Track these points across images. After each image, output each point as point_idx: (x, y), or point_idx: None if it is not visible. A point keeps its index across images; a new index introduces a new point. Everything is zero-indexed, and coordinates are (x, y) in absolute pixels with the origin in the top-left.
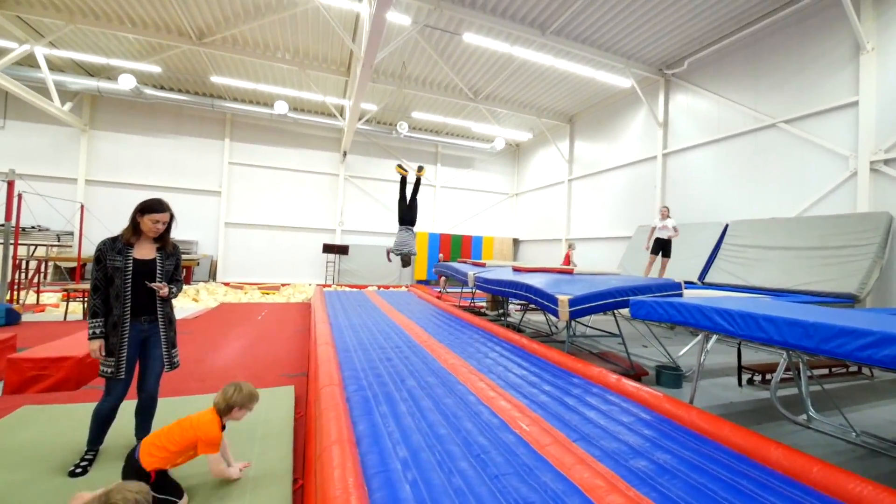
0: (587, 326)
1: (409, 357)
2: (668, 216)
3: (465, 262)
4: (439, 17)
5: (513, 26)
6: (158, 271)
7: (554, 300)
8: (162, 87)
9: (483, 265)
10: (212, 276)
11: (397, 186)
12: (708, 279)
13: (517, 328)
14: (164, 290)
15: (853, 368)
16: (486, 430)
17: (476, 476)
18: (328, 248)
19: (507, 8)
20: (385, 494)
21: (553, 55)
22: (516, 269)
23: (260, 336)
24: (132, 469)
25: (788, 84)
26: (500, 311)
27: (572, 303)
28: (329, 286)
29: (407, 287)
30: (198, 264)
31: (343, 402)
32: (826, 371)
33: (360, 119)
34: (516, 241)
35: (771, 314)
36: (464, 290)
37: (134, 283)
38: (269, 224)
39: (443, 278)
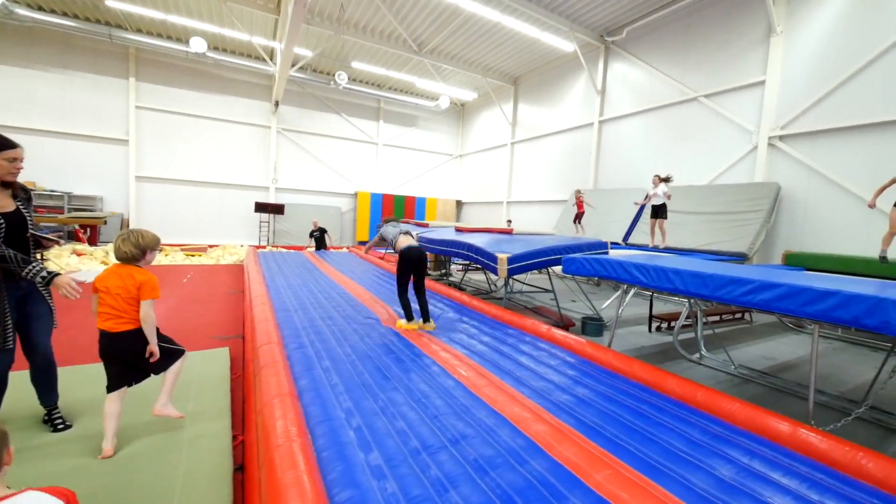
0: (524, 283)
1: (352, 315)
2: (660, 183)
3: (408, 223)
4: None
5: None
6: (29, 223)
7: (494, 258)
8: (41, 8)
9: (426, 226)
10: None
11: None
12: (631, 240)
13: (459, 286)
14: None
15: (738, 315)
16: (428, 377)
17: (417, 418)
18: (261, 208)
19: None
20: (329, 440)
21: (500, 11)
22: (459, 230)
23: (187, 299)
24: (108, 342)
25: (711, 60)
26: (443, 270)
27: (510, 261)
28: (263, 247)
29: (348, 248)
30: (105, 223)
31: (283, 360)
32: (718, 318)
33: (293, 65)
34: (460, 203)
35: (678, 268)
36: None
37: (7, 242)
38: (190, 179)
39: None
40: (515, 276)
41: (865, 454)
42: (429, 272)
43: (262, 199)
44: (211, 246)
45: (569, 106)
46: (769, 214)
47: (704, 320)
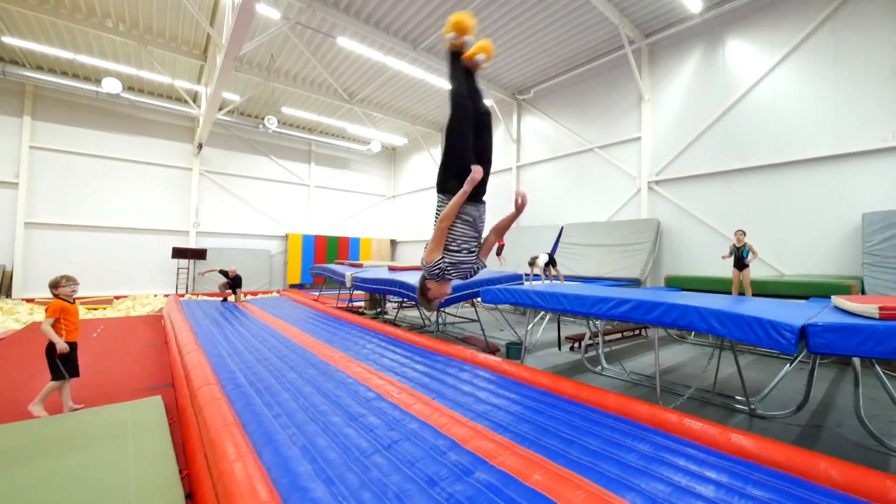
0: (455, 316)
1: (288, 356)
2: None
3: (342, 264)
4: (312, 17)
5: (386, 37)
6: None
7: None
8: None
9: (360, 266)
10: (5, 291)
11: (269, 191)
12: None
13: (394, 323)
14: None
15: (637, 332)
16: (364, 402)
17: (356, 434)
18: (180, 253)
19: (382, 20)
20: (275, 457)
21: (424, 70)
22: (392, 269)
23: (103, 353)
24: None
25: (601, 118)
26: (378, 309)
27: None
28: (182, 296)
29: (278, 292)
30: None
31: (224, 397)
32: (619, 336)
33: (220, 109)
34: (394, 242)
35: (565, 293)
36: (341, 292)
37: None
38: (94, 225)
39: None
40: (446, 311)
41: (693, 419)
42: (364, 312)
43: (181, 244)
44: (118, 297)
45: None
46: (654, 245)
47: (605, 340)
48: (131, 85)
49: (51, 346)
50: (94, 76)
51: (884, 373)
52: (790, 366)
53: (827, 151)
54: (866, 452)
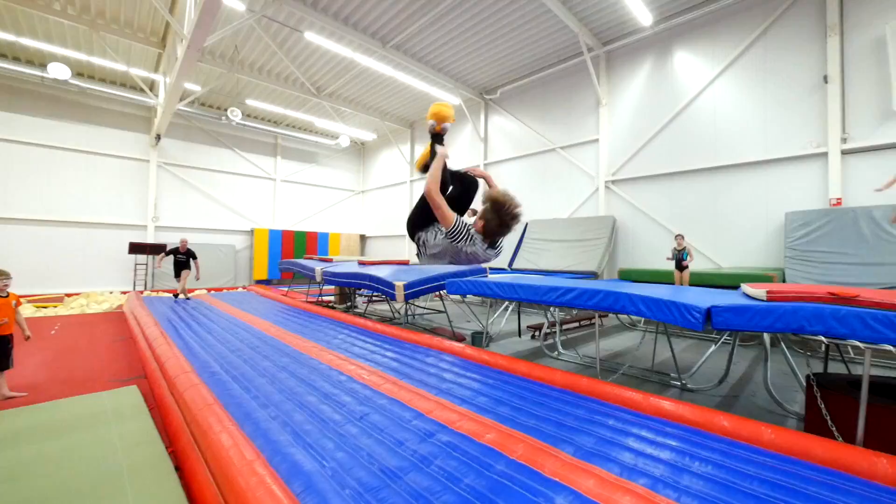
0: (424, 308)
1: (260, 346)
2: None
3: (311, 258)
4: (278, 10)
5: (355, 34)
6: None
7: (391, 286)
8: None
9: (330, 260)
10: None
11: (234, 185)
12: (515, 265)
13: (364, 316)
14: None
15: (594, 321)
16: (337, 384)
17: (330, 409)
18: (137, 248)
19: (351, 16)
20: (256, 429)
21: (392, 67)
22: (361, 263)
23: (66, 349)
24: None
25: (563, 120)
26: (348, 303)
27: (406, 287)
28: (142, 293)
29: (245, 287)
30: None
31: (202, 382)
32: (577, 324)
33: (181, 100)
34: (364, 237)
35: (520, 283)
36: (311, 287)
37: None
38: (40, 219)
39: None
40: (415, 302)
41: (624, 388)
42: (334, 306)
43: (139, 240)
44: (69, 295)
45: (459, 149)
46: (609, 240)
47: (563, 328)
48: (81, 71)
49: None
50: (39, 60)
51: (800, 352)
52: (715, 346)
53: (757, 157)
54: (771, 415)
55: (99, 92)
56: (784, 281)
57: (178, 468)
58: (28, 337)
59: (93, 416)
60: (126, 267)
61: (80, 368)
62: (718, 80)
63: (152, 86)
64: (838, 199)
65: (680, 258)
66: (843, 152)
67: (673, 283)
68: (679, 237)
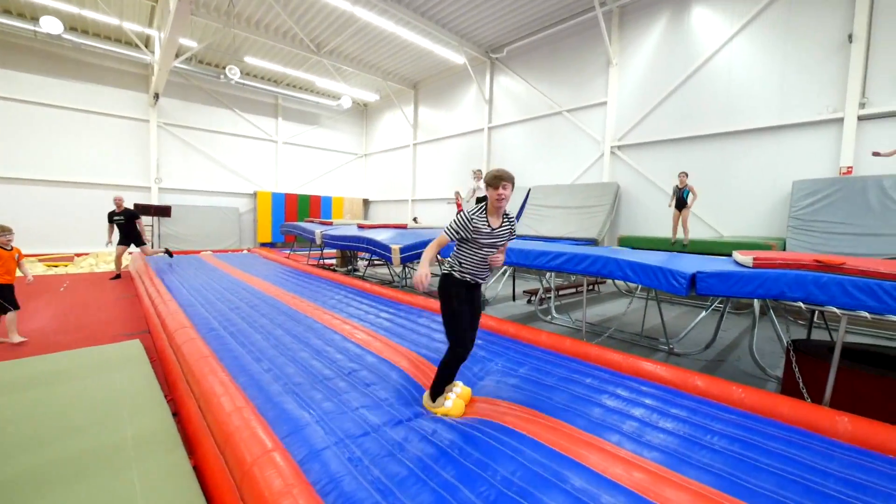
0: None
1: (259, 305)
2: (481, 178)
3: (312, 222)
4: None
5: None
6: None
7: (388, 249)
8: None
9: (330, 224)
10: None
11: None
12: (516, 232)
13: (363, 278)
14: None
15: (591, 288)
16: (329, 342)
17: (321, 365)
18: (142, 210)
19: None
20: (250, 381)
21: (394, 22)
22: (361, 226)
23: (75, 304)
24: None
25: (571, 81)
26: (349, 266)
27: (402, 251)
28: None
29: (248, 250)
30: None
31: (199, 337)
32: (574, 290)
33: (177, 57)
34: (367, 202)
35: (510, 248)
36: (312, 251)
37: None
38: (46, 179)
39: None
40: (413, 265)
41: (605, 349)
42: (335, 268)
43: (143, 201)
44: (78, 255)
45: (463, 112)
46: (612, 207)
47: (558, 294)
48: (74, 25)
49: None
50: (31, 13)
51: (791, 320)
52: (706, 312)
53: (770, 122)
54: (753, 379)
55: (93, 48)
56: (784, 250)
57: (175, 414)
58: (30, 281)
59: (98, 365)
60: None
61: (89, 323)
62: (736, 38)
63: (147, 42)
64: (849, 167)
65: (681, 196)
66: (860, 118)
67: (668, 251)
68: (682, 174)
